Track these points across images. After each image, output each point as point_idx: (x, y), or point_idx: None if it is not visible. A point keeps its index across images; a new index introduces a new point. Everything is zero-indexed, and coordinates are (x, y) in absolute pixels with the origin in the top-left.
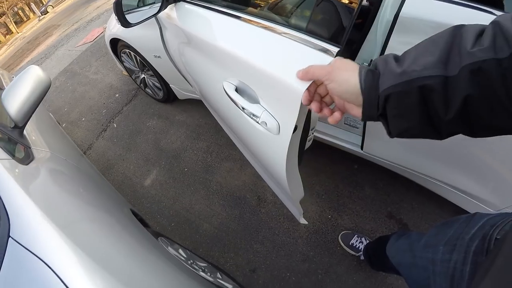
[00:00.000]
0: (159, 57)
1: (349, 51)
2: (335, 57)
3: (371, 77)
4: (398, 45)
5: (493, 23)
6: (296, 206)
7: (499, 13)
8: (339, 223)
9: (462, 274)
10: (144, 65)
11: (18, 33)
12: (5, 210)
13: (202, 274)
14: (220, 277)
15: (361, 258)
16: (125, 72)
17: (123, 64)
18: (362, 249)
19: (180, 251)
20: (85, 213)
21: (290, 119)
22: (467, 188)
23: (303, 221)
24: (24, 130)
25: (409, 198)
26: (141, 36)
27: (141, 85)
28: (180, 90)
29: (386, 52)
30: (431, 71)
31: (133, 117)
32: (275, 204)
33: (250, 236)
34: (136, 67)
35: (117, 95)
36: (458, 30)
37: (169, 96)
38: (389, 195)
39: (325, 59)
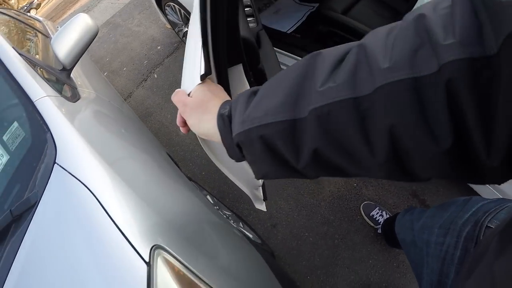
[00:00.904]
0: None
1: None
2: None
3: (221, 123)
4: None
5: (359, 46)
6: (251, 194)
7: None
8: (363, 192)
9: (453, 258)
10: (188, 18)
11: None
12: (52, 139)
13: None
14: (242, 226)
15: (378, 231)
16: (168, 25)
17: (167, 17)
18: (381, 222)
19: (208, 197)
20: (126, 150)
21: None
22: None
23: (261, 207)
24: (71, 74)
25: (436, 181)
26: None
27: (184, 38)
28: None
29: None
30: (273, 117)
31: (174, 69)
32: None
33: (275, 192)
34: (179, 21)
35: (159, 47)
36: (312, 60)
37: None
38: None
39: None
